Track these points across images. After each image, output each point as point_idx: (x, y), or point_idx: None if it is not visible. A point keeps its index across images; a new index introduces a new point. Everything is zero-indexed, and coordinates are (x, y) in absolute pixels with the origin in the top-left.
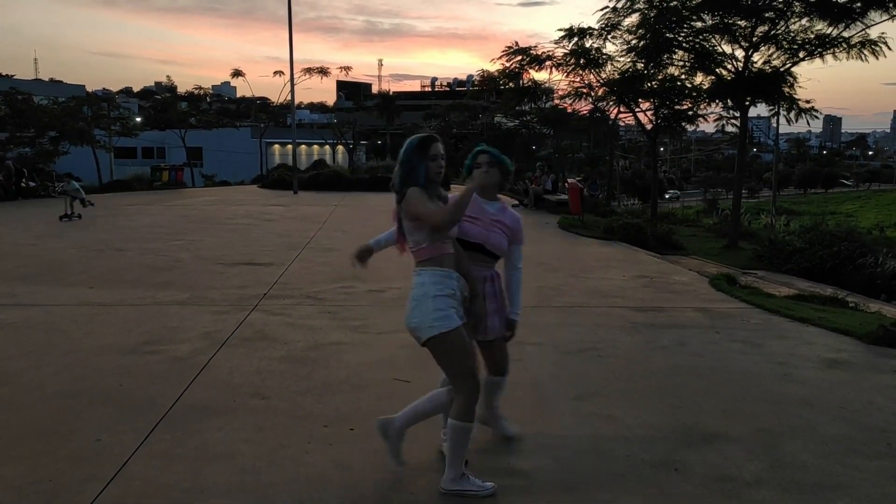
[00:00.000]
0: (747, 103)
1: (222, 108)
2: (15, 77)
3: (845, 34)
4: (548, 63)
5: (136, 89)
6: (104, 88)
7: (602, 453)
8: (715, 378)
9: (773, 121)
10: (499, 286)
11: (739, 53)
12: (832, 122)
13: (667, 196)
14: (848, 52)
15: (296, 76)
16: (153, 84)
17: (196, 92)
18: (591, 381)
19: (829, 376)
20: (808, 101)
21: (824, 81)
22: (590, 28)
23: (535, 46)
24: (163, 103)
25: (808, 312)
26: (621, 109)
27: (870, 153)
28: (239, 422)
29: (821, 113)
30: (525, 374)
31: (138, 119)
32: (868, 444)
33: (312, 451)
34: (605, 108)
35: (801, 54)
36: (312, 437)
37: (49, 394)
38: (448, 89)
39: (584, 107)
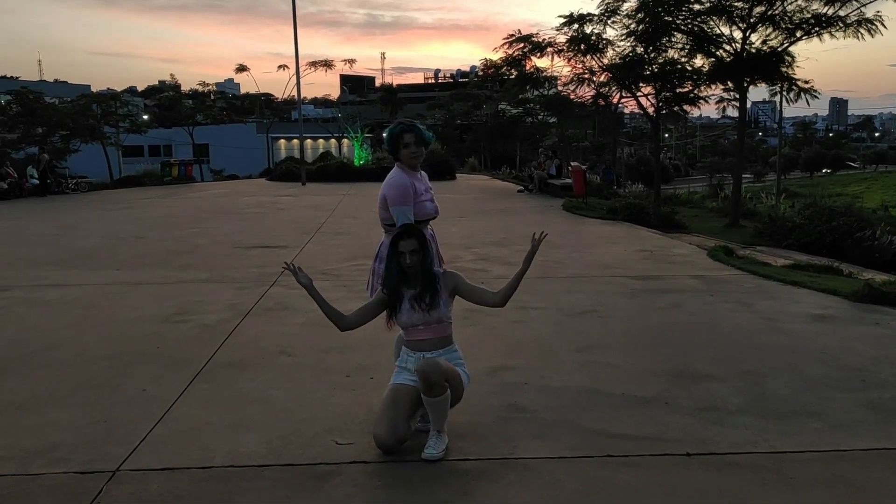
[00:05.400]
0: (746, 84)
1: (228, 104)
2: (20, 78)
3: (841, 13)
4: (549, 50)
5: (140, 88)
6: (108, 88)
7: (600, 393)
8: (706, 332)
9: (777, 103)
10: None
11: (737, 35)
12: (838, 104)
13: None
14: (844, 31)
15: (300, 70)
16: (157, 82)
17: (201, 89)
18: (592, 337)
19: (814, 328)
20: (806, 81)
21: (830, 63)
22: (590, 14)
23: (537, 33)
24: (169, 100)
25: (801, 277)
26: (623, 94)
27: (876, 135)
28: (269, 374)
29: (820, 92)
30: (530, 332)
31: (145, 117)
32: (844, 380)
33: (337, 394)
34: (608, 94)
35: (799, 34)
36: (337, 384)
37: (94, 356)
38: (451, 80)
39: (587, 93)
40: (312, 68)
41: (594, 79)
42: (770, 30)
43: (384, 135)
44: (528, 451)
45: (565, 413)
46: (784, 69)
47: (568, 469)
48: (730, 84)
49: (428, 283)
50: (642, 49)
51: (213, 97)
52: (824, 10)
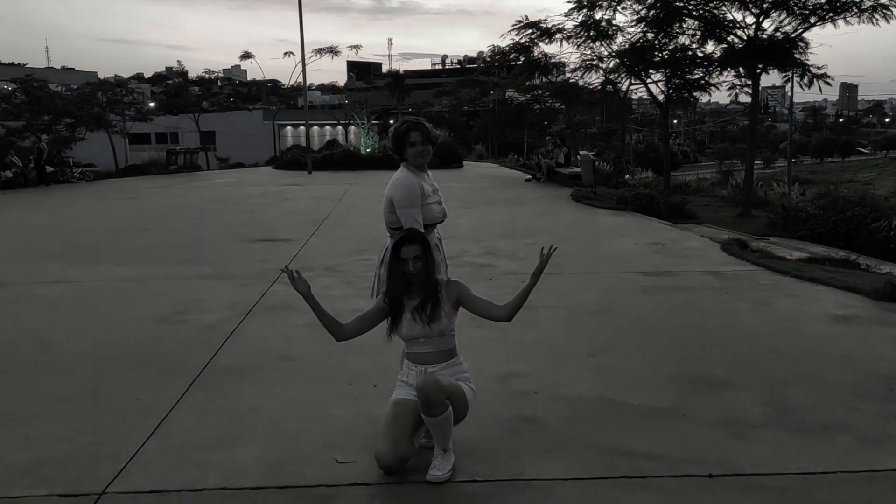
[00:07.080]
0: (759, 71)
1: (235, 90)
2: (28, 66)
3: None
4: (558, 36)
5: (147, 75)
6: (116, 75)
7: (614, 402)
8: (723, 334)
9: (788, 88)
10: None
11: (750, 20)
12: (848, 89)
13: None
14: (859, 17)
15: (306, 57)
16: (164, 69)
17: (207, 76)
18: (604, 339)
19: (836, 330)
20: (819, 67)
21: (840, 49)
22: None
23: (545, 20)
24: (175, 88)
25: (819, 273)
26: (633, 81)
27: (886, 120)
28: (269, 381)
29: (833, 79)
30: (539, 334)
31: (151, 104)
32: (871, 389)
33: (339, 404)
34: (617, 81)
35: (813, 19)
36: (338, 393)
37: (89, 359)
38: (459, 67)
39: (595, 79)
40: (319, 55)
41: (603, 65)
42: (783, 15)
43: (389, 133)
44: (539, 470)
45: (578, 426)
46: (798, 55)
47: (582, 492)
48: (742, 71)
49: (430, 293)
50: (653, 35)
51: (219, 84)
52: None
